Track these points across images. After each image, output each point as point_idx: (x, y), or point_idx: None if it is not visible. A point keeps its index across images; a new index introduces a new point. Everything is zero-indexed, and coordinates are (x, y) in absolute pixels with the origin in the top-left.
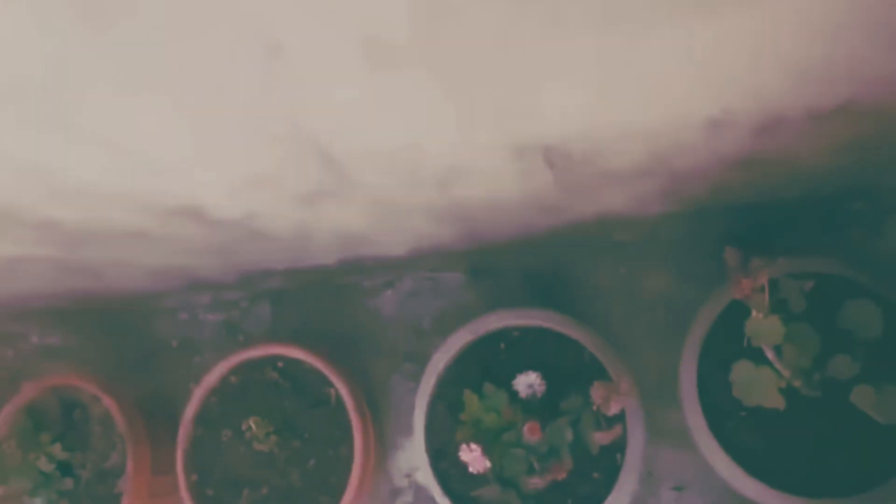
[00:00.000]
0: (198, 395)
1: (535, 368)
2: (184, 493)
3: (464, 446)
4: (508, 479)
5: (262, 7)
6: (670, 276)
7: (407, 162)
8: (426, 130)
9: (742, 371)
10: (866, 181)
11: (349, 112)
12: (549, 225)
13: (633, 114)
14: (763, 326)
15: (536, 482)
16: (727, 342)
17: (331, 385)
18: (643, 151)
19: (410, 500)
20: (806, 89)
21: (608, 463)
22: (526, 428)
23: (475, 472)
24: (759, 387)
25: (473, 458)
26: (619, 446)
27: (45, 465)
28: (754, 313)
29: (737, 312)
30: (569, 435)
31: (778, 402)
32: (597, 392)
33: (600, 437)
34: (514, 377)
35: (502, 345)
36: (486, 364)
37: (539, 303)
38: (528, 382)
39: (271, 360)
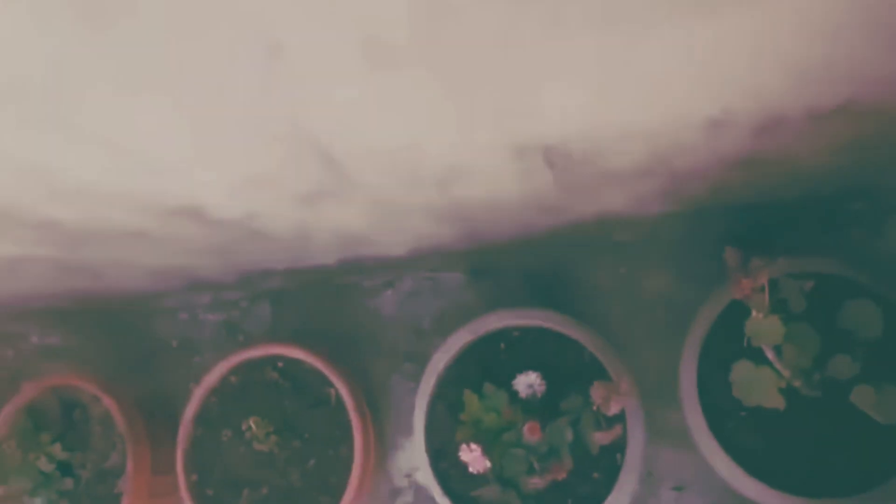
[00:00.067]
0: (198, 395)
1: (535, 368)
2: (184, 493)
3: (464, 446)
4: (508, 479)
5: (262, 7)
6: (670, 276)
7: (407, 162)
8: (426, 130)
9: (742, 371)
10: (866, 181)
11: (349, 112)
12: (549, 225)
13: (633, 114)
14: (763, 326)
15: (536, 482)
16: (727, 342)
17: (331, 385)
18: (643, 151)
19: (410, 501)
20: (806, 89)
21: (608, 463)
22: (526, 428)
23: (475, 472)
24: (759, 387)
25: (473, 458)
26: (619, 446)
27: (45, 465)
28: (754, 313)
29: (737, 312)
30: (569, 435)
31: (778, 402)
32: (597, 392)
33: (600, 438)
34: (514, 377)
35: (502, 345)
36: (486, 364)
37: (539, 303)
38: (528, 382)
39: (271, 360)
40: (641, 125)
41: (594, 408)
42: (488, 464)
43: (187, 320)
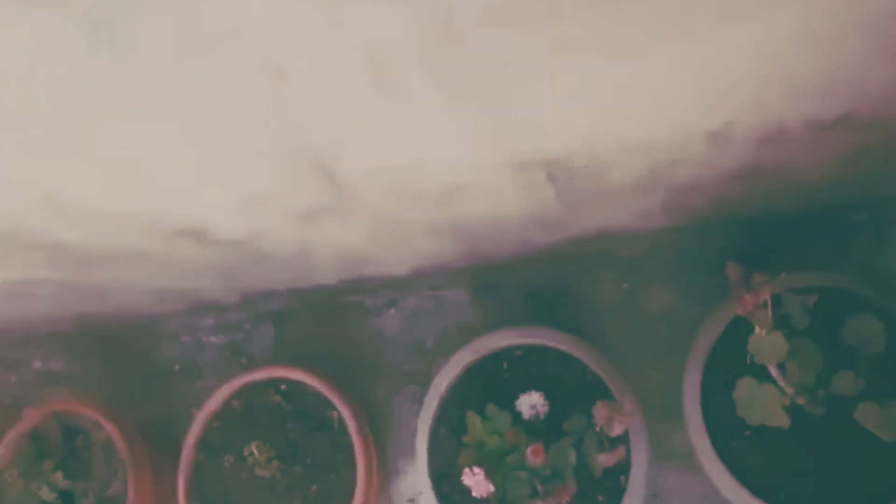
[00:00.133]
0: (200, 420)
1: (537, 388)
2: None
3: (467, 470)
4: None
5: (269, 30)
6: (673, 292)
7: (409, 180)
8: (429, 148)
9: (745, 389)
10: (869, 193)
11: (353, 131)
12: (551, 241)
13: (635, 129)
14: (766, 343)
15: None
16: (731, 359)
17: (333, 407)
18: (645, 166)
19: None
20: (807, 101)
21: (612, 485)
22: (529, 451)
23: (479, 496)
24: (763, 405)
25: (476, 482)
26: (623, 468)
27: (46, 494)
28: (757, 329)
29: (740, 328)
30: (572, 457)
31: (782, 421)
32: (600, 412)
33: (604, 459)
34: (517, 397)
35: (505, 364)
36: (489, 384)
37: (541, 319)
38: (530, 403)
39: (274, 383)
40: (643, 140)
41: (597, 428)
42: (492, 488)
43: (190, 343)
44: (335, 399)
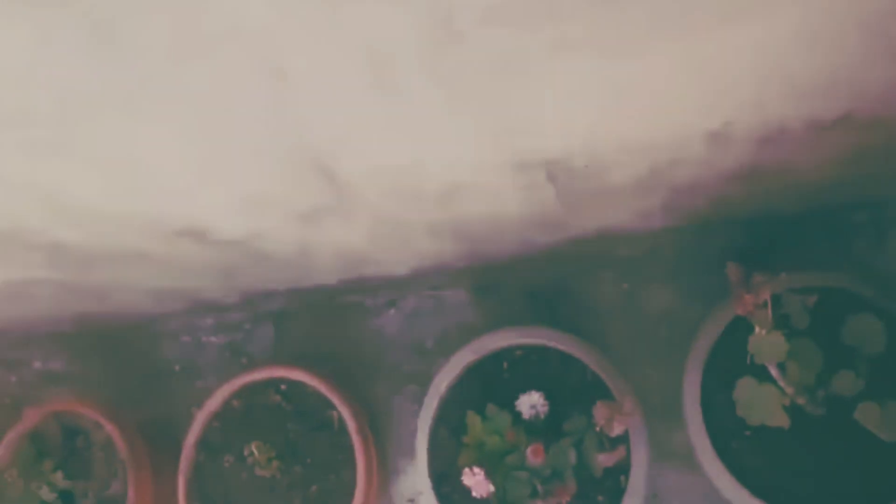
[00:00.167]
0: (200, 420)
1: (537, 388)
2: None
3: (467, 470)
4: None
5: (269, 31)
6: (673, 292)
7: (409, 180)
8: (429, 148)
9: (745, 389)
10: (869, 193)
11: (353, 131)
12: (552, 241)
13: (635, 129)
14: (766, 343)
15: None
16: (731, 359)
17: (333, 407)
18: (645, 166)
19: None
20: (807, 101)
21: (612, 485)
22: (529, 450)
23: (479, 496)
24: (763, 405)
25: (477, 482)
26: (623, 468)
27: (46, 494)
28: (757, 329)
29: (741, 328)
30: (572, 457)
31: (782, 421)
32: (600, 412)
33: (604, 459)
34: (517, 397)
35: (505, 364)
36: (489, 384)
37: (541, 319)
38: (530, 403)
39: (274, 383)
40: (643, 140)
41: (597, 428)
42: (492, 488)
43: (190, 343)
44: (335, 399)
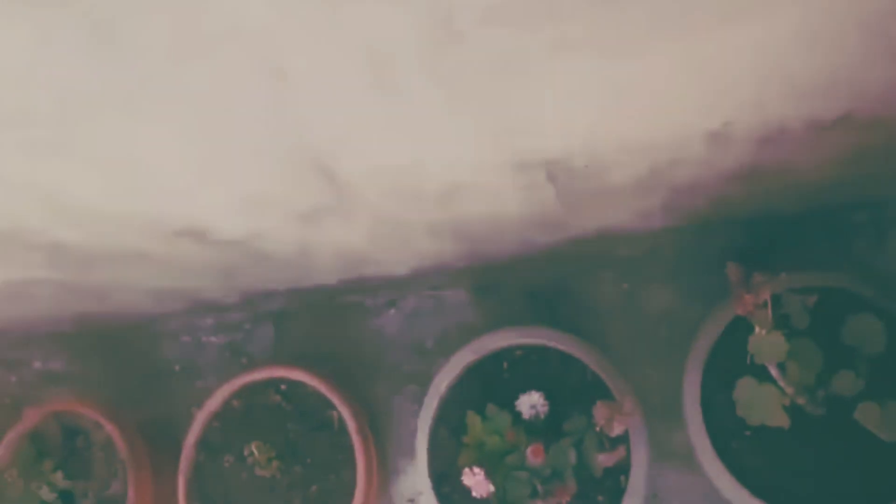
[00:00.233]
0: (200, 420)
1: (537, 388)
2: None
3: (466, 470)
4: None
5: (269, 31)
6: (673, 292)
7: (409, 180)
8: (429, 149)
9: (745, 389)
10: (869, 193)
11: (353, 131)
12: (552, 241)
13: (635, 129)
14: (766, 343)
15: None
16: (731, 359)
17: (333, 407)
18: (645, 166)
19: None
20: (807, 100)
21: (612, 485)
22: (529, 451)
23: (479, 496)
24: (763, 405)
25: (476, 482)
26: (623, 468)
27: (46, 494)
28: (757, 330)
29: (741, 328)
30: (572, 457)
31: (782, 421)
32: (600, 412)
33: (604, 459)
34: (517, 397)
35: (505, 364)
36: (489, 384)
37: (542, 320)
38: (530, 403)
39: (274, 383)
40: (643, 140)
41: (597, 428)
42: (492, 488)
43: (190, 343)
44: (335, 399)
